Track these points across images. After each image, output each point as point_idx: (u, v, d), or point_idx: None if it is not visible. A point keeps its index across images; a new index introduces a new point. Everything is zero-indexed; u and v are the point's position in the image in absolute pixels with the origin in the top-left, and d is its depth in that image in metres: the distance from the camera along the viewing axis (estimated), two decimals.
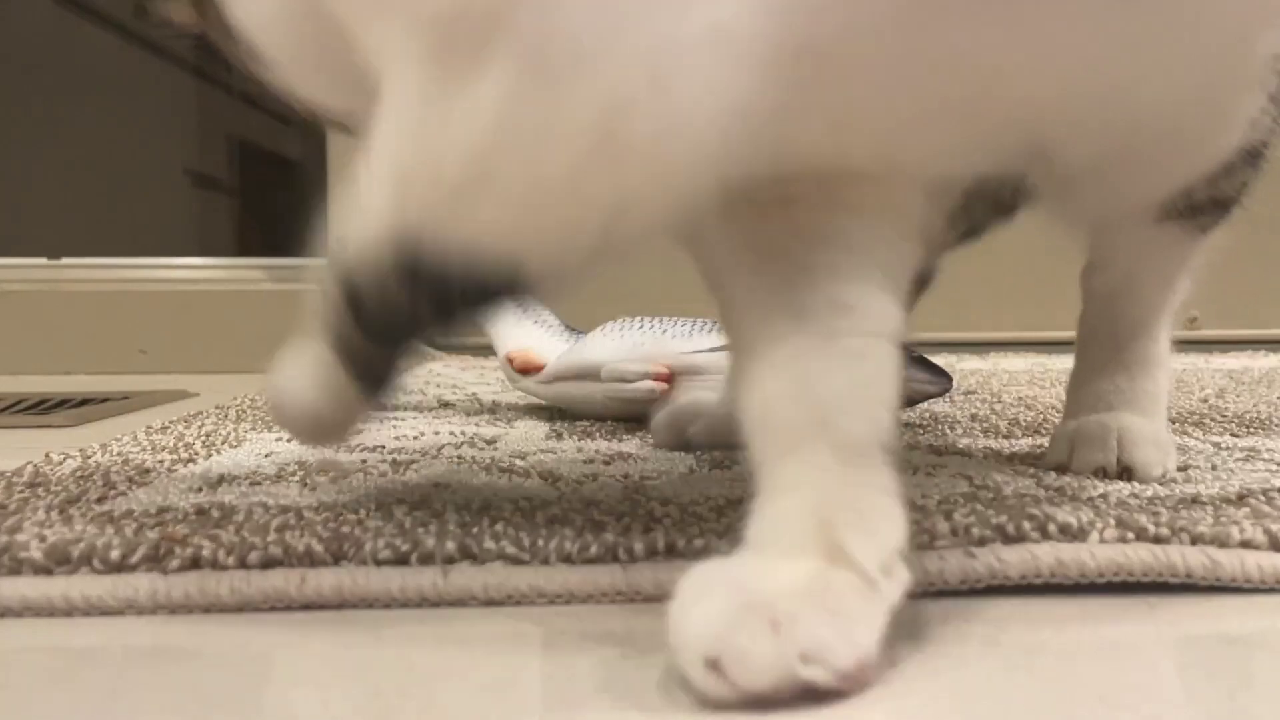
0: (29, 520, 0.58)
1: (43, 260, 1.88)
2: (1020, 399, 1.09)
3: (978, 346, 1.64)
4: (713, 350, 0.97)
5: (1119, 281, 0.73)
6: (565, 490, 0.64)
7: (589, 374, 0.95)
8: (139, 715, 0.40)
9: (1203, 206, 0.65)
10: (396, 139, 0.41)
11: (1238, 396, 1.10)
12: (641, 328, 0.97)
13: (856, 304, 0.47)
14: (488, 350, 1.07)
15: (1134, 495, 0.61)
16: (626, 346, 0.95)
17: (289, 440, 0.86)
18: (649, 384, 0.92)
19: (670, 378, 0.93)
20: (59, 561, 0.51)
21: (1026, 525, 0.52)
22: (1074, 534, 0.52)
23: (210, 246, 2.88)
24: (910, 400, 0.92)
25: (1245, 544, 0.52)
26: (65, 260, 1.88)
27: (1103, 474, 0.67)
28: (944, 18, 0.41)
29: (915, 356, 0.97)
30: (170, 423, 0.96)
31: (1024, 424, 0.91)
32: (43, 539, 0.53)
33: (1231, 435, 0.84)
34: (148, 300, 1.77)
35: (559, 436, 0.88)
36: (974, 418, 0.95)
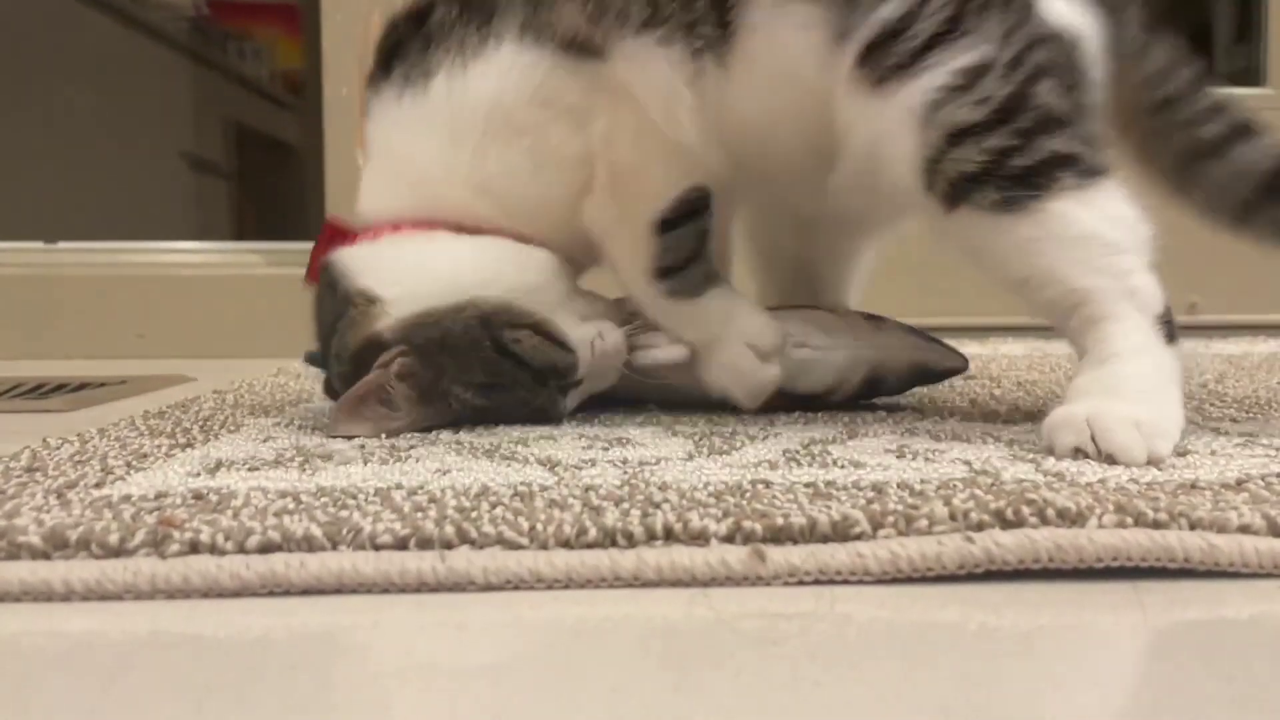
0: (27, 505, 0.58)
1: (40, 244, 1.87)
2: (1019, 384, 1.09)
3: (977, 331, 1.64)
4: None
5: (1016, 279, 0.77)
6: (564, 475, 0.64)
7: None
8: (137, 699, 0.40)
9: (951, 191, 0.74)
10: None
11: (1237, 381, 1.10)
12: None
13: None
14: None
15: (1133, 480, 0.61)
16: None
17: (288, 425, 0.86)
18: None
19: None
20: (57, 546, 0.51)
21: (1025, 510, 0.52)
22: (1072, 519, 0.52)
23: (207, 230, 2.88)
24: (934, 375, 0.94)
25: (1244, 529, 0.52)
26: (62, 244, 1.87)
27: (1082, 455, 0.67)
28: None
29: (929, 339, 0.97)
30: (168, 407, 0.96)
31: (1023, 409, 0.91)
32: (40, 523, 0.53)
33: (1231, 420, 0.84)
34: (145, 284, 1.77)
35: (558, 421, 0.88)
36: (973, 403, 0.95)
